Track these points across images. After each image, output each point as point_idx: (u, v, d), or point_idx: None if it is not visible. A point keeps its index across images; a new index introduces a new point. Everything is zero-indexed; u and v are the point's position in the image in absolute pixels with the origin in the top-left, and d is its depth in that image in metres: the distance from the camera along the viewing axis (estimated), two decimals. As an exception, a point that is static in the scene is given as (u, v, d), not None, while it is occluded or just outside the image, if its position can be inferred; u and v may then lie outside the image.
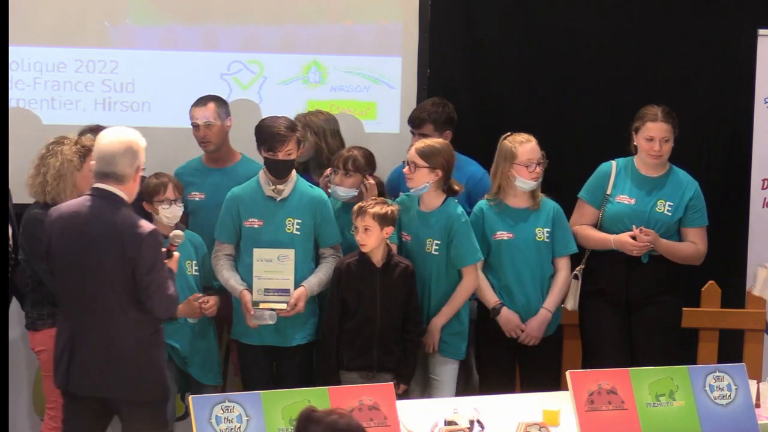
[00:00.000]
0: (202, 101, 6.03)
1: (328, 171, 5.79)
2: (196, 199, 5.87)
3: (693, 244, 5.78)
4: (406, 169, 5.59)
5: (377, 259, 5.45)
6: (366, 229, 5.37)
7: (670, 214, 5.74)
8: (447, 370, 5.64)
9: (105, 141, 4.79)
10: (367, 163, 5.74)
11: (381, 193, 5.79)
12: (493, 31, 6.95)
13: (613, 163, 5.89)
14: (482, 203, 5.73)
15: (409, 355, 5.51)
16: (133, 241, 4.66)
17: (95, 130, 5.73)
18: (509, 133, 5.70)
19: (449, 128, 6.12)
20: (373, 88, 6.74)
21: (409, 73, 6.71)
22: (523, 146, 5.61)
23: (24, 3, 6.39)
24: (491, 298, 5.66)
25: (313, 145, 6.03)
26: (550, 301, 5.70)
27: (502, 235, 5.65)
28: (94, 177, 4.80)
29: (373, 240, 5.39)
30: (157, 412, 4.79)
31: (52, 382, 5.28)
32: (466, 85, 6.95)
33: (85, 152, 5.26)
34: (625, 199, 5.79)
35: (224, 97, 6.20)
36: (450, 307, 5.59)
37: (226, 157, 6.03)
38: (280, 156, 5.47)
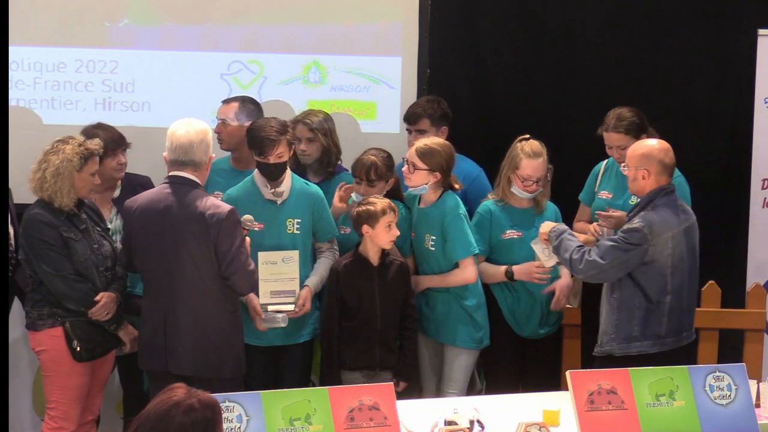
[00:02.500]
0: (229, 99, 6.04)
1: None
2: (219, 199, 5.80)
3: None
4: (404, 169, 5.59)
5: (374, 258, 5.46)
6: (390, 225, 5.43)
7: None
8: (457, 361, 5.63)
9: (180, 132, 5.09)
10: (387, 169, 5.71)
11: (397, 191, 5.81)
12: (493, 31, 6.95)
13: (604, 162, 5.96)
14: (488, 203, 5.75)
15: (407, 352, 5.53)
16: (214, 221, 4.97)
17: (99, 128, 5.75)
18: (527, 137, 5.68)
19: (445, 124, 6.14)
20: (373, 88, 6.74)
21: (409, 73, 6.71)
22: (529, 161, 5.62)
23: (24, 3, 6.39)
24: (498, 270, 5.65)
25: (319, 148, 6.00)
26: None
27: (512, 233, 5.66)
28: (169, 166, 5.11)
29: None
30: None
31: (52, 383, 5.30)
32: (466, 85, 6.96)
33: (88, 155, 5.25)
34: (604, 194, 5.88)
35: (224, 97, 6.19)
36: (438, 279, 5.61)
37: (250, 159, 5.91)
38: (271, 160, 5.46)
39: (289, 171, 5.61)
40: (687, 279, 5.24)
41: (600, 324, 5.29)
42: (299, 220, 5.56)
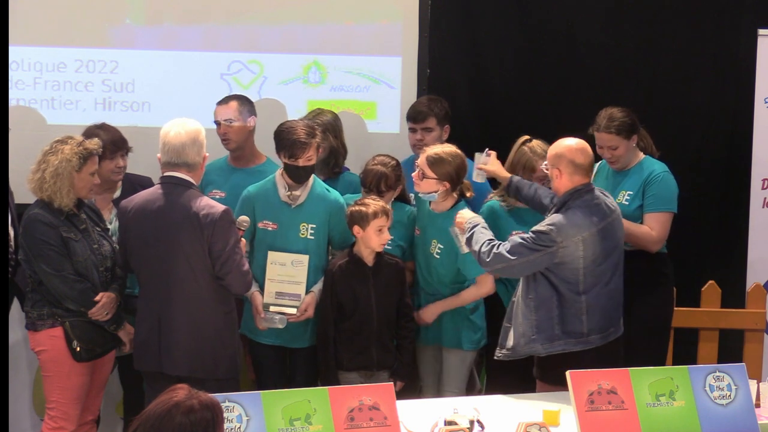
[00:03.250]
0: (225, 100, 6.03)
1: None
2: (217, 197, 5.77)
3: (644, 227, 5.73)
4: (415, 175, 5.57)
5: (368, 258, 5.46)
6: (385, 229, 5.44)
7: (627, 203, 5.75)
8: (457, 363, 5.66)
9: (173, 133, 5.09)
10: (397, 178, 5.71)
11: (402, 192, 5.81)
12: (493, 31, 6.95)
13: (597, 163, 5.95)
14: (493, 203, 5.77)
15: (403, 351, 5.54)
16: (208, 221, 4.97)
17: (101, 129, 5.75)
18: (528, 138, 5.70)
19: (448, 123, 6.16)
20: (373, 88, 6.74)
21: (409, 73, 6.71)
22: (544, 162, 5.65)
23: (24, 3, 6.38)
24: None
25: (327, 148, 6.01)
26: None
27: (519, 234, 5.66)
28: (163, 167, 5.12)
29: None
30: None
31: (52, 383, 5.30)
32: (466, 85, 6.95)
33: (87, 155, 5.25)
34: None
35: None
36: (452, 301, 5.61)
37: (250, 157, 5.98)
38: (301, 163, 5.46)
39: (312, 175, 5.60)
40: (608, 277, 5.20)
41: (515, 327, 5.24)
42: (314, 226, 5.54)
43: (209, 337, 5.07)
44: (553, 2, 6.96)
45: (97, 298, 5.26)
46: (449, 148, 5.63)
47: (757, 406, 4.80)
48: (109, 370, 5.61)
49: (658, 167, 5.81)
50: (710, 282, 6.43)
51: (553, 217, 5.14)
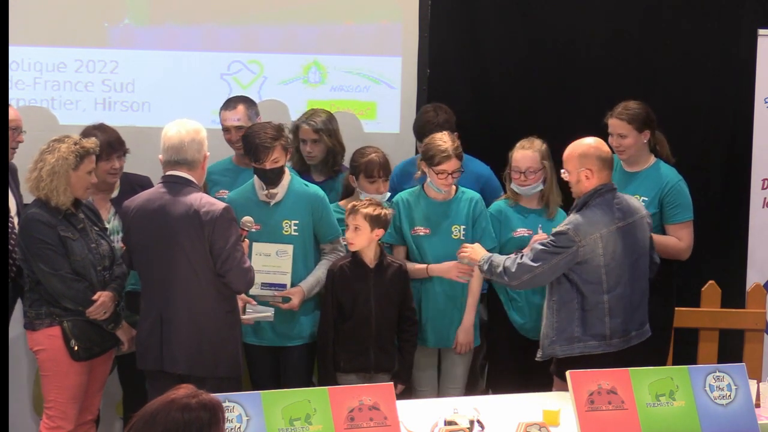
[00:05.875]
0: (231, 104, 6.04)
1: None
2: (224, 197, 5.77)
3: (672, 238, 5.76)
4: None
5: (370, 259, 5.46)
6: (356, 228, 5.39)
7: None
8: (458, 363, 5.68)
9: (172, 132, 5.10)
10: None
11: None
12: (493, 31, 6.95)
13: None
14: (501, 203, 5.80)
15: (405, 355, 5.53)
16: (208, 218, 4.97)
17: (98, 129, 5.75)
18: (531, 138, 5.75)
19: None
20: (373, 88, 6.74)
21: (409, 73, 6.71)
22: (518, 153, 5.69)
23: (24, 3, 6.39)
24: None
25: (324, 148, 6.01)
26: None
27: (522, 231, 5.69)
28: (164, 167, 5.11)
29: (361, 240, 5.40)
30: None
31: (50, 382, 5.30)
32: (466, 85, 6.95)
33: (84, 153, 5.25)
34: None
35: (225, 98, 6.19)
36: (471, 304, 5.65)
37: None
38: (267, 166, 5.47)
39: (288, 173, 5.60)
40: (628, 278, 5.19)
41: (542, 328, 5.26)
42: (296, 222, 5.55)
43: (210, 335, 5.06)
44: (554, 2, 6.96)
45: (95, 297, 5.26)
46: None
47: (757, 406, 4.80)
48: (108, 370, 5.61)
49: (673, 175, 5.81)
50: (710, 282, 6.43)
51: (571, 217, 5.16)
